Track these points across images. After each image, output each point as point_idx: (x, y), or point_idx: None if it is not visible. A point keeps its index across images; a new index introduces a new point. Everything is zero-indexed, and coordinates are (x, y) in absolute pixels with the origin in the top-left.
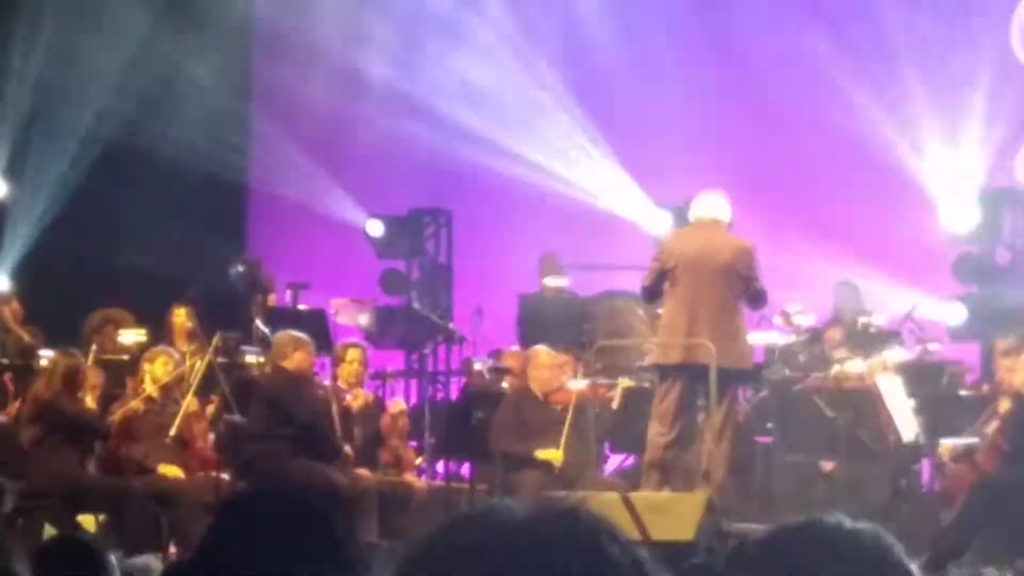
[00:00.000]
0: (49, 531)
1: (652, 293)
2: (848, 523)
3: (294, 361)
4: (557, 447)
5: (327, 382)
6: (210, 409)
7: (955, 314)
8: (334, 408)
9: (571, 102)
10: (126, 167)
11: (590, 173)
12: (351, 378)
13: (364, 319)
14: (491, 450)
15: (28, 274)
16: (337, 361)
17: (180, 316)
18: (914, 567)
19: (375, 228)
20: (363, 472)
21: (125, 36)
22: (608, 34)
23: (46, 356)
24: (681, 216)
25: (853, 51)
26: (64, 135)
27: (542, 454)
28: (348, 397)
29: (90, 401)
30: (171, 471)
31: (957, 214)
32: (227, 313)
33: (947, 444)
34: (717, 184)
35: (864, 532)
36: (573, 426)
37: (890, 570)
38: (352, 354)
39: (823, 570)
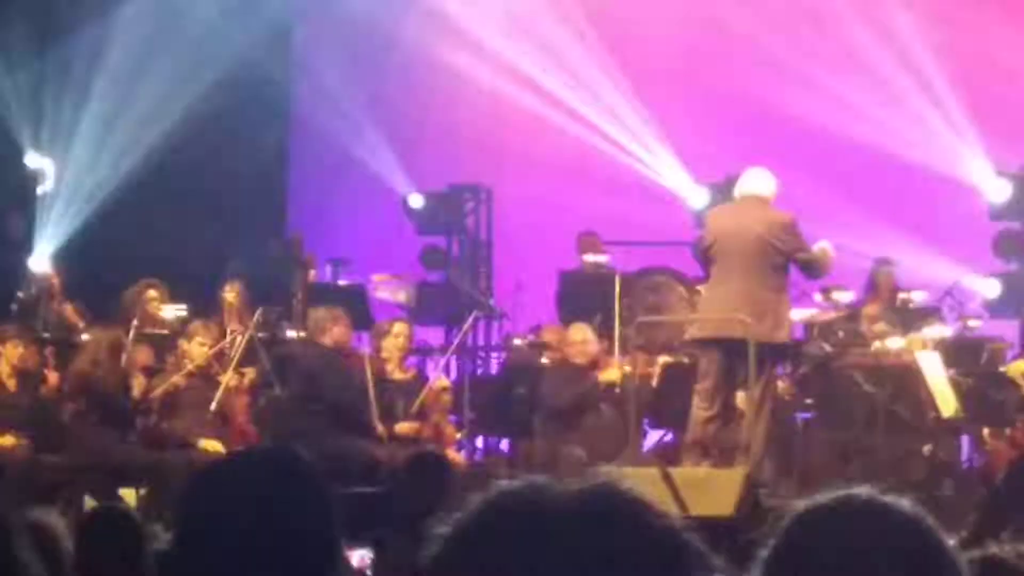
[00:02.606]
0: (90, 504)
1: (705, 270)
2: (882, 497)
3: (332, 336)
4: (603, 418)
5: (365, 350)
6: (246, 380)
7: (994, 290)
8: (370, 380)
9: (615, 79)
10: (167, 146)
11: (632, 150)
12: (396, 352)
13: (404, 295)
14: (539, 416)
15: (70, 255)
16: (381, 335)
17: (231, 293)
18: (950, 541)
19: (416, 201)
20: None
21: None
22: (650, 11)
23: (88, 332)
24: (721, 194)
25: (896, 27)
26: (106, 118)
27: (603, 375)
28: (385, 365)
29: (138, 383)
30: (212, 446)
31: (998, 191)
32: (268, 289)
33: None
34: (758, 161)
35: (900, 506)
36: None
37: (926, 543)
38: (399, 328)
39: (859, 544)
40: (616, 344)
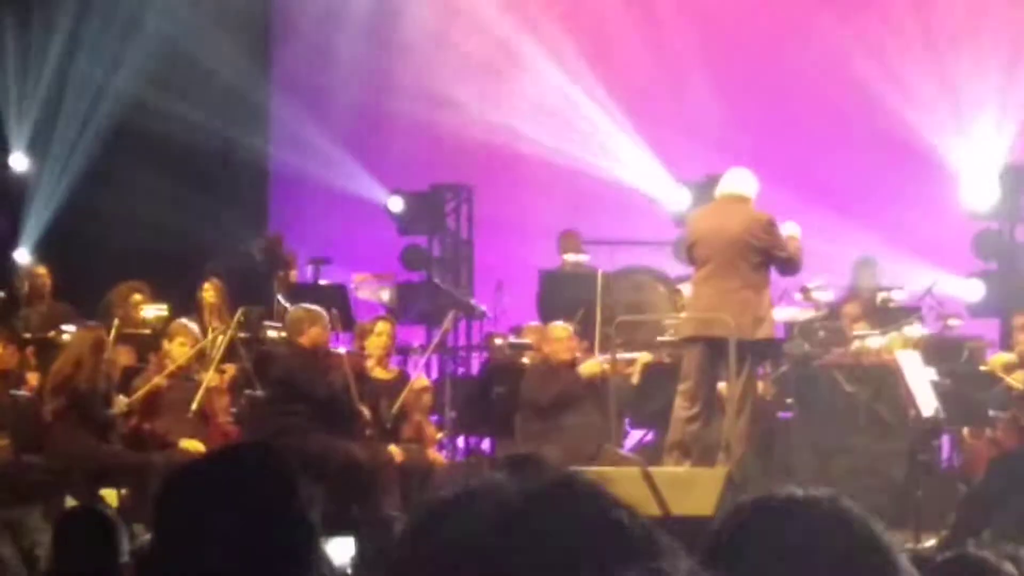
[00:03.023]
0: (71, 503)
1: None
2: (801, 492)
3: (309, 337)
4: (584, 417)
5: (342, 349)
6: (225, 377)
7: (974, 291)
8: (350, 377)
9: (595, 79)
10: (146, 144)
11: (612, 149)
12: (379, 350)
13: (385, 294)
14: (518, 415)
15: (50, 251)
16: (364, 334)
17: (209, 292)
18: (879, 529)
19: (396, 204)
20: (392, 448)
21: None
22: (630, 11)
23: (69, 331)
24: (702, 193)
25: (873, 30)
26: (85, 114)
27: (584, 369)
28: (366, 364)
29: (118, 402)
30: (192, 445)
31: (977, 191)
32: (249, 288)
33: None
34: (737, 162)
35: (820, 499)
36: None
37: (851, 534)
38: (381, 327)
39: (781, 543)
40: (596, 343)
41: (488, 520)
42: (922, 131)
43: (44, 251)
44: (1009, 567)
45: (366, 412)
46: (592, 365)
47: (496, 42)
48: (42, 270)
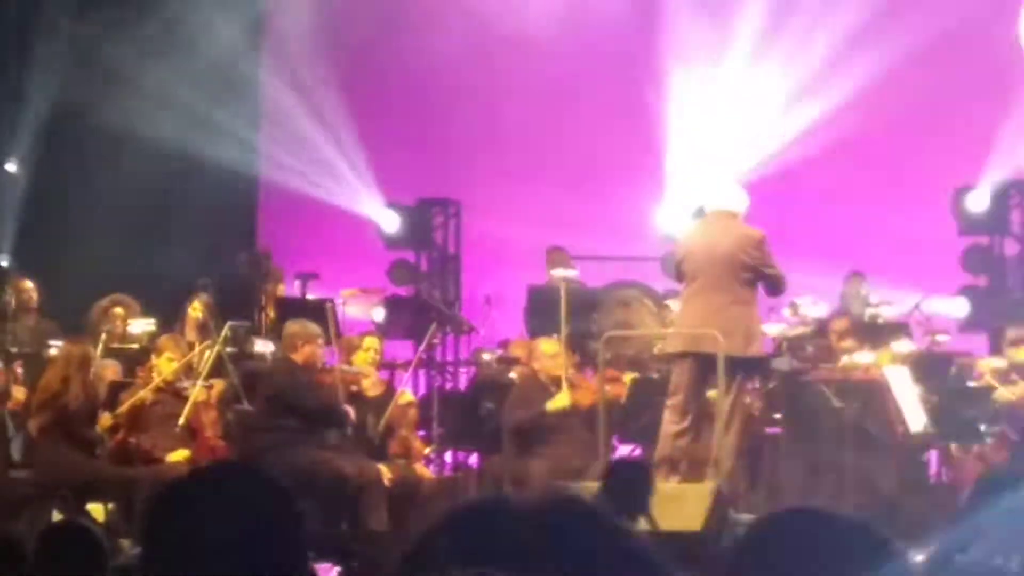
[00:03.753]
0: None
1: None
2: (830, 510)
3: (303, 355)
4: (571, 433)
5: (334, 364)
6: (213, 392)
7: (962, 307)
8: (340, 392)
9: (584, 92)
10: (133, 158)
11: (599, 163)
12: (368, 366)
13: (373, 309)
14: (505, 432)
15: (39, 268)
16: (351, 349)
17: (197, 308)
18: (909, 552)
19: (386, 219)
20: (381, 467)
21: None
22: (620, 21)
23: (56, 346)
24: (695, 213)
25: (859, 43)
26: (71, 128)
27: (551, 404)
28: (361, 380)
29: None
30: (179, 459)
31: (966, 206)
32: (237, 303)
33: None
34: (728, 175)
35: (854, 520)
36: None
37: (875, 548)
38: (368, 342)
39: (809, 554)
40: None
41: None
42: (910, 144)
43: (33, 267)
44: None
45: (351, 412)
46: (562, 398)
47: (488, 54)
48: (29, 284)
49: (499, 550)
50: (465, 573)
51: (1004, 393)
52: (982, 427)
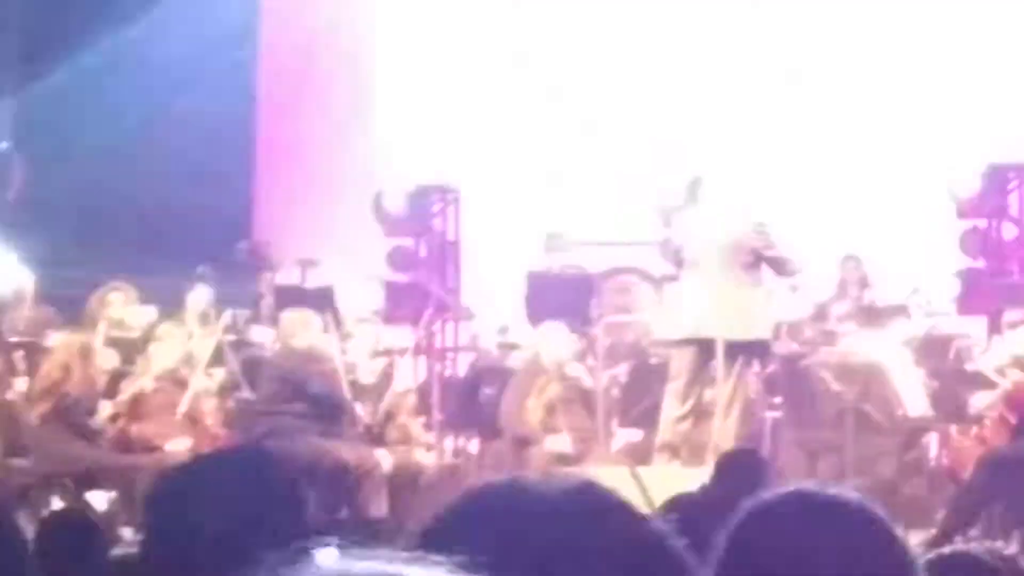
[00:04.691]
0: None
1: (677, 271)
2: (830, 490)
3: (302, 341)
4: (571, 418)
5: (335, 354)
6: (215, 383)
7: (960, 289)
8: (343, 379)
9: (584, 78)
10: (132, 141)
11: (600, 148)
12: (364, 354)
13: (372, 296)
14: (501, 427)
15: (38, 256)
16: (344, 337)
17: (196, 296)
18: (901, 533)
19: (383, 205)
20: (380, 453)
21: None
22: (618, 11)
23: (56, 336)
24: (691, 192)
25: (858, 24)
26: (73, 116)
27: (552, 444)
28: (358, 371)
29: (101, 381)
30: (180, 447)
31: (964, 189)
32: (236, 291)
33: None
34: (724, 159)
35: (849, 497)
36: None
37: (877, 534)
38: (364, 330)
39: (807, 537)
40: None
41: (514, 522)
42: (909, 127)
43: (31, 258)
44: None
45: (359, 411)
46: (560, 440)
47: (485, 42)
48: (27, 274)
49: (518, 537)
50: (477, 560)
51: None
52: (981, 410)
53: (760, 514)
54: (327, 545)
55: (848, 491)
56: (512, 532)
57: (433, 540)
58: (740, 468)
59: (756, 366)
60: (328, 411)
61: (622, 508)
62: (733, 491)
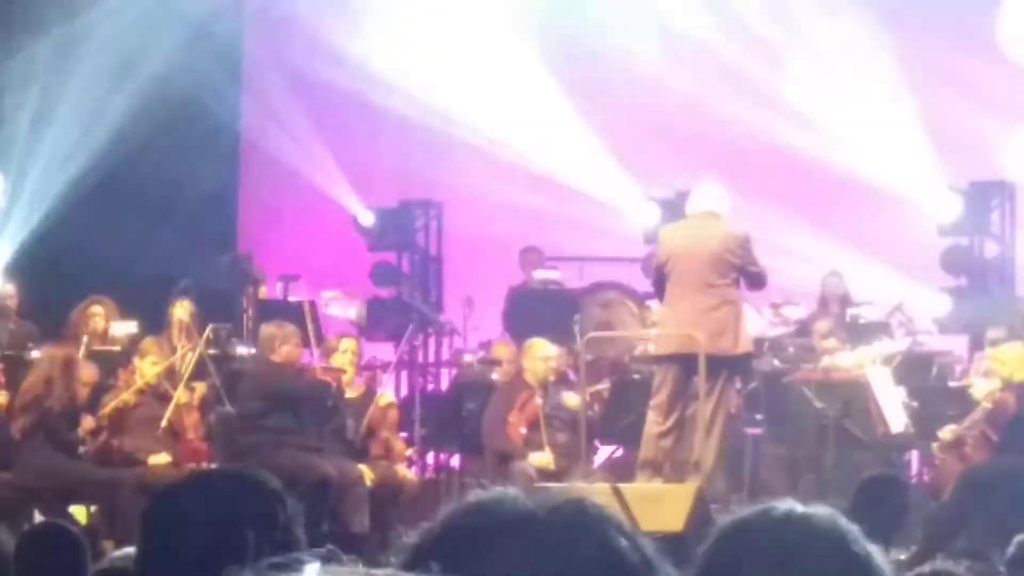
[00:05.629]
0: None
1: (659, 291)
2: (801, 508)
3: (281, 355)
4: (550, 437)
5: (316, 364)
6: (195, 394)
7: (942, 307)
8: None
9: (565, 94)
10: (117, 161)
11: (581, 165)
12: (348, 367)
13: (355, 311)
14: (483, 443)
15: (20, 272)
16: (330, 351)
17: (180, 310)
18: (873, 549)
19: (366, 218)
20: (363, 468)
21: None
22: (602, 26)
23: (38, 350)
24: (670, 209)
25: (839, 45)
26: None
27: (535, 460)
28: (341, 376)
29: (83, 395)
30: (161, 461)
31: (946, 207)
32: (218, 306)
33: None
34: (706, 175)
35: (819, 516)
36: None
37: (847, 553)
38: (346, 344)
39: (780, 558)
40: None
41: (500, 537)
42: (889, 145)
43: (14, 272)
44: None
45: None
46: (543, 457)
47: (465, 58)
48: (10, 288)
49: (506, 555)
50: None
51: (987, 393)
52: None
53: (734, 532)
54: (311, 560)
55: (822, 509)
56: (501, 548)
57: (421, 556)
58: (882, 493)
59: (738, 382)
60: (321, 402)
61: (611, 525)
62: (876, 516)
